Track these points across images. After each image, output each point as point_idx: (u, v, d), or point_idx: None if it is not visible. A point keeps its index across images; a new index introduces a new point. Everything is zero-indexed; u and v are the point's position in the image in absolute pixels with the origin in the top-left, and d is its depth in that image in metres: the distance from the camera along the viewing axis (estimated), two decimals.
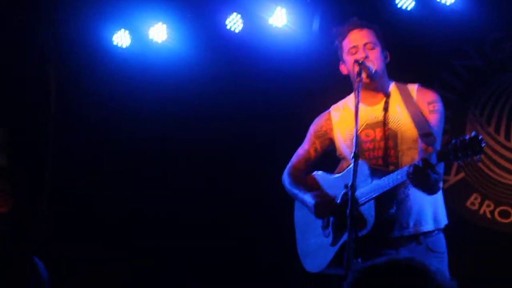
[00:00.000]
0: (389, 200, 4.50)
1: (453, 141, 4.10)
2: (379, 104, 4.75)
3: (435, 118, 4.64)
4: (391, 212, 4.50)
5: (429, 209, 4.62)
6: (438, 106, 4.70)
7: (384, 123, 4.69)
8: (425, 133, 4.54)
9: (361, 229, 4.41)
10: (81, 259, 7.05)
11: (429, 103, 4.69)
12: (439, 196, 4.66)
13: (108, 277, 7.09)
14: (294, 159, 5.01)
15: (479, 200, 6.79)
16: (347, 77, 4.83)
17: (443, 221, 4.68)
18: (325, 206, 4.65)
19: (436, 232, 4.63)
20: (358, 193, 4.42)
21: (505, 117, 6.79)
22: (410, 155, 4.61)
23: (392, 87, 4.78)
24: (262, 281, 6.92)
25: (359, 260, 4.12)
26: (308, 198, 4.73)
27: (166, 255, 7.17)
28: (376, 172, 4.52)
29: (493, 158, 6.80)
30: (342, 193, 4.53)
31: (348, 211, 4.20)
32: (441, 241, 4.66)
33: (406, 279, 2.18)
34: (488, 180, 6.79)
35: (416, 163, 4.24)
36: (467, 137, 4.06)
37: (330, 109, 4.96)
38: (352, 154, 4.32)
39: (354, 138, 4.39)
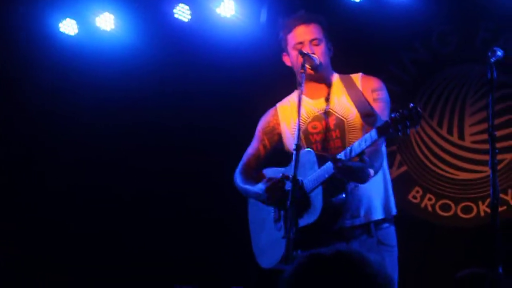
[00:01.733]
0: (339, 185, 4.48)
1: (392, 115, 4.10)
2: (323, 96, 4.74)
3: (379, 106, 4.63)
4: (340, 198, 4.48)
5: (379, 198, 4.63)
6: (383, 94, 4.70)
7: (330, 113, 4.69)
8: (366, 113, 4.55)
9: (310, 216, 4.43)
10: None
11: (373, 91, 4.68)
12: (388, 186, 4.69)
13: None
14: (245, 158, 4.97)
15: (420, 193, 6.86)
16: (291, 69, 4.82)
17: (393, 210, 4.69)
18: (275, 189, 4.59)
19: (387, 224, 4.63)
20: (306, 181, 4.44)
21: (448, 111, 6.86)
22: None
23: (336, 78, 4.77)
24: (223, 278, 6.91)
25: (299, 252, 4.12)
26: (259, 187, 4.69)
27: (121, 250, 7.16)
28: (323, 158, 4.50)
29: (435, 152, 6.87)
30: (288, 185, 4.51)
31: (288, 202, 4.19)
32: (391, 234, 4.66)
33: (349, 271, 2.19)
34: (429, 174, 6.86)
35: (338, 155, 4.28)
36: (405, 110, 4.06)
37: (277, 105, 4.93)
38: (294, 145, 4.30)
39: (297, 129, 4.36)
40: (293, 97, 4.86)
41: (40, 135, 7.17)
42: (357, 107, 4.62)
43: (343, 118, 4.66)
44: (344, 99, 4.69)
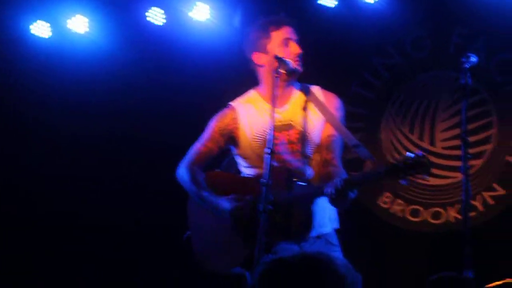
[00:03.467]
0: (307, 206, 4.48)
1: (398, 161, 4.07)
2: (287, 105, 4.69)
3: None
4: (306, 219, 4.49)
5: (328, 212, 4.63)
6: (343, 112, 4.71)
7: (293, 125, 4.65)
8: (355, 144, 4.47)
9: (276, 231, 4.39)
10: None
11: (336, 109, 4.67)
12: None
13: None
14: (194, 155, 4.80)
15: (390, 198, 6.89)
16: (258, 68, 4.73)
17: (336, 223, 4.71)
18: (243, 213, 4.52)
19: None
20: (277, 197, 4.33)
21: (420, 117, 6.90)
22: (315, 159, 4.62)
23: (299, 88, 4.73)
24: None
25: (270, 256, 4.12)
26: (223, 204, 4.59)
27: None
28: (296, 180, 4.50)
29: None
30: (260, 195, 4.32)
31: (261, 206, 4.12)
32: (335, 235, 4.69)
33: (313, 273, 2.19)
34: None
35: (338, 184, 4.20)
36: (414, 156, 4.04)
37: (233, 105, 4.81)
38: (269, 150, 4.21)
39: (270, 134, 4.28)
40: (251, 99, 4.78)
41: (8, 137, 7.11)
42: (336, 128, 4.57)
43: (306, 133, 4.62)
44: (310, 112, 4.66)
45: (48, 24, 6.96)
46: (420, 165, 4.04)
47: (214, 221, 4.67)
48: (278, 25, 4.69)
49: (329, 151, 4.59)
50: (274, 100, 4.41)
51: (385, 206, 6.89)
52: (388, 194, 6.89)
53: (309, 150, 4.62)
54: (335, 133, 4.61)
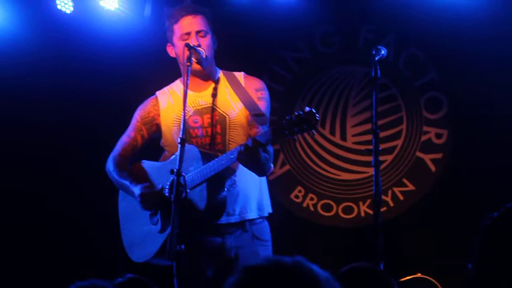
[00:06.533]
0: (221, 183, 4.48)
1: (287, 117, 4.10)
2: (207, 90, 4.73)
3: (263, 105, 4.67)
4: (222, 195, 4.48)
5: (254, 197, 4.66)
6: (266, 93, 4.75)
7: (213, 108, 4.68)
8: (256, 113, 4.54)
9: (191, 213, 4.38)
10: None
11: (257, 90, 4.73)
12: (263, 185, 4.71)
13: None
14: (119, 146, 4.87)
15: (302, 193, 6.90)
16: (174, 60, 4.77)
17: (267, 209, 4.72)
18: (151, 197, 4.56)
19: (260, 220, 4.67)
20: (188, 177, 4.35)
21: (331, 112, 6.95)
22: (238, 142, 4.61)
23: (219, 73, 4.79)
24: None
25: (182, 247, 4.06)
26: (136, 190, 4.62)
27: None
28: (206, 156, 4.49)
29: (318, 152, 6.92)
30: (169, 179, 4.45)
31: (173, 196, 4.13)
32: (266, 229, 4.70)
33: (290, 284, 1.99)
34: (312, 174, 6.91)
35: (246, 142, 4.25)
36: (301, 112, 4.07)
37: (157, 94, 4.87)
38: (179, 139, 4.25)
39: (182, 123, 4.29)
40: (173, 87, 4.83)
41: None
42: (245, 104, 4.63)
43: (225, 115, 4.67)
44: (228, 95, 4.70)
45: None
46: (308, 119, 4.06)
47: (135, 211, 4.72)
48: (177, 18, 4.70)
49: (253, 127, 4.64)
50: (186, 90, 4.42)
51: (297, 200, 6.88)
52: (300, 188, 6.89)
53: (232, 132, 4.66)
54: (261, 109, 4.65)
